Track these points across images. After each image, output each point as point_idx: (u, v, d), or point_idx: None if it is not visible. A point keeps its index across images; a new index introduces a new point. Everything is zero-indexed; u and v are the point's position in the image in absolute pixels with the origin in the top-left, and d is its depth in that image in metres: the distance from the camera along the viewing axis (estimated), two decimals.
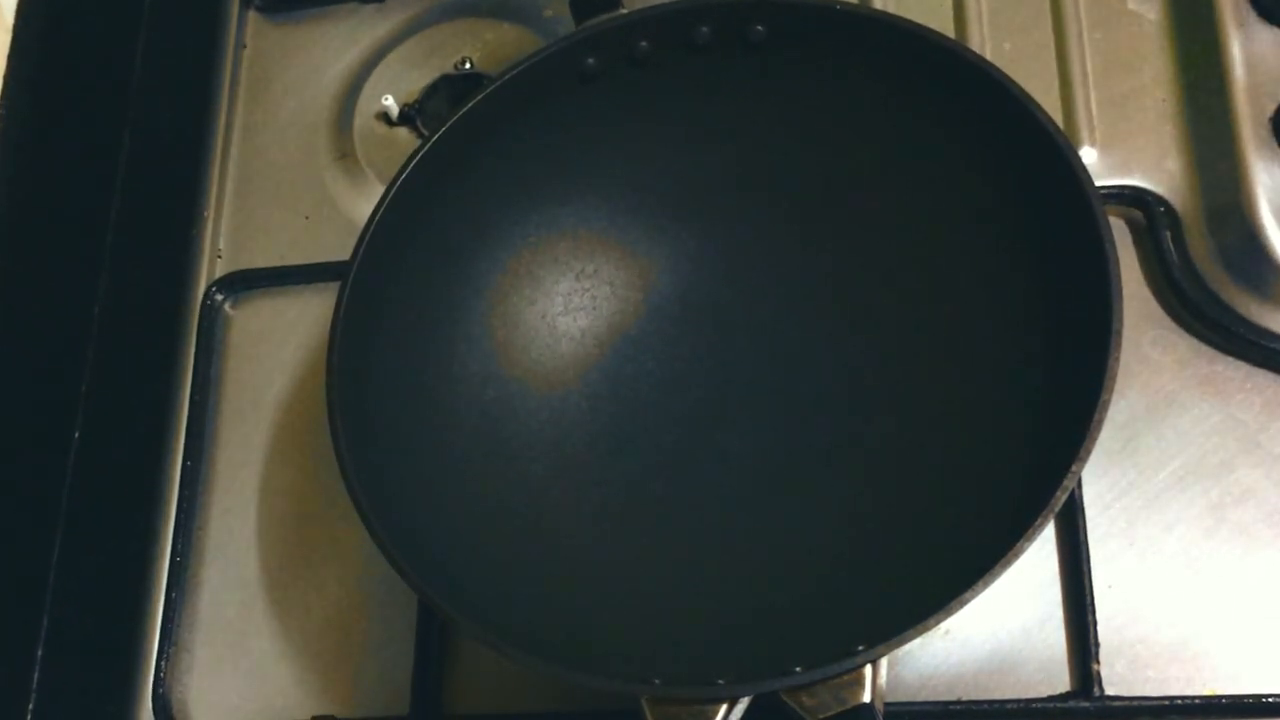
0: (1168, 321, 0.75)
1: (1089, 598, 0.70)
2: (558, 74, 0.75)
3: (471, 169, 0.75)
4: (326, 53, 0.94)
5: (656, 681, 0.60)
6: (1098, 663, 0.68)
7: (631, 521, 0.74)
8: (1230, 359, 0.74)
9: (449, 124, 0.73)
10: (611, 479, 0.76)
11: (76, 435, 0.85)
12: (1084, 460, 0.59)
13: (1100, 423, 0.60)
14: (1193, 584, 0.70)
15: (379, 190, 0.73)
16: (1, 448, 0.83)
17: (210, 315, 0.87)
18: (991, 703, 0.69)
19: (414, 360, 0.74)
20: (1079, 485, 0.72)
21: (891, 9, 0.84)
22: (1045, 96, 0.75)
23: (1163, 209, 0.76)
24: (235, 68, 0.95)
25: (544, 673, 0.61)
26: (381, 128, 0.90)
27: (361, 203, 0.87)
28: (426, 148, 0.72)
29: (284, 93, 0.94)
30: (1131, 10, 0.81)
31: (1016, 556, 0.58)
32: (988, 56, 0.76)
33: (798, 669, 0.58)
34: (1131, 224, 0.77)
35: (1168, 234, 0.76)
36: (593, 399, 0.78)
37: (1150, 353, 0.74)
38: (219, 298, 0.87)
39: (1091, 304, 0.63)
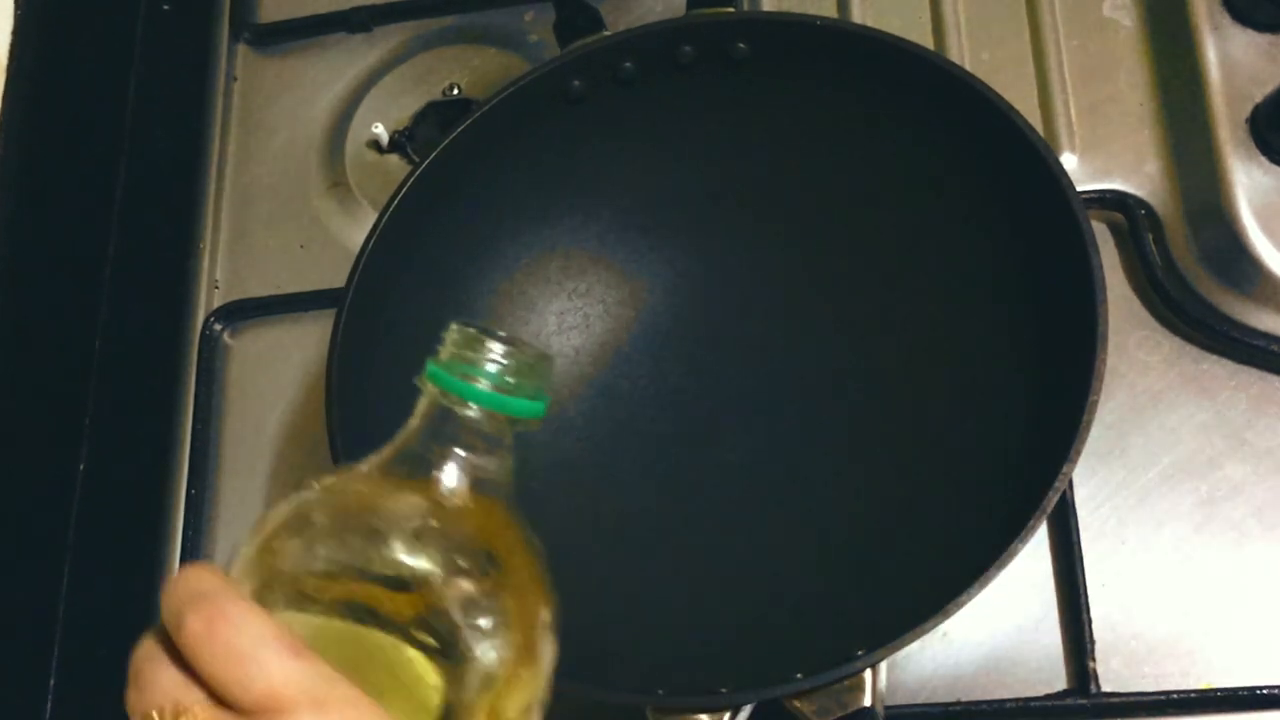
0: (1153, 322, 0.76)
1: (1083, 596, 0.70)
2: (544, 96, 0.75)
3: (462, 193, 0.76)
4: (316, 83, 0.95)
5: (660, 692, 0.60)
6: (1094, 660, 0.69)
7: (630, 534, 0.75)
8: (1215, 357, 0.74)
9: (439, 149, 0.74)
10: (609, 493, 0.76)
11: (81, 468, 0.85)
12: (1074, 461, 0.60)
13: (1089, 423, 0.60)
14: (1185, 580, 0.71)
15: (372, 217, 0.73)
16: (8, 481, 0.83)
17: (210, 345, 0.87)
18: (990, 703, 0.69)
19: (411, 383, 0.74)
20: (1070, 486, 0.72)
21: (871, 22, 0.84)
22: (1025, 104, 0.76)
23: (1144, 212, 0.77)
24: (227, 101, 0.96)
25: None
26: (372, 155, 0.91)
27: (355, 230, 0.88)
28: (417, 173, 0.73)
29: (275, 124, 0.94)
30: (1108, 17, 0.82)
31: (1011, 558, 0.58)
32: (967, 67, 0.76)
33: (799, 675, 0.58)
34: (1114, 227, 0.78)
35: (1150, 236, 0.76)
36: (588, 415, 0.79)
37: (1136, 353, 0.75)
38: (218, 328, 0.88)
39: (1077, 307, 0.63)
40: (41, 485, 0.85)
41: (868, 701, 0.59)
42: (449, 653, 0.46)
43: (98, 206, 0.92)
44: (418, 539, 0.46)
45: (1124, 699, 0.68)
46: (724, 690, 0.59)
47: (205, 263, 0.91)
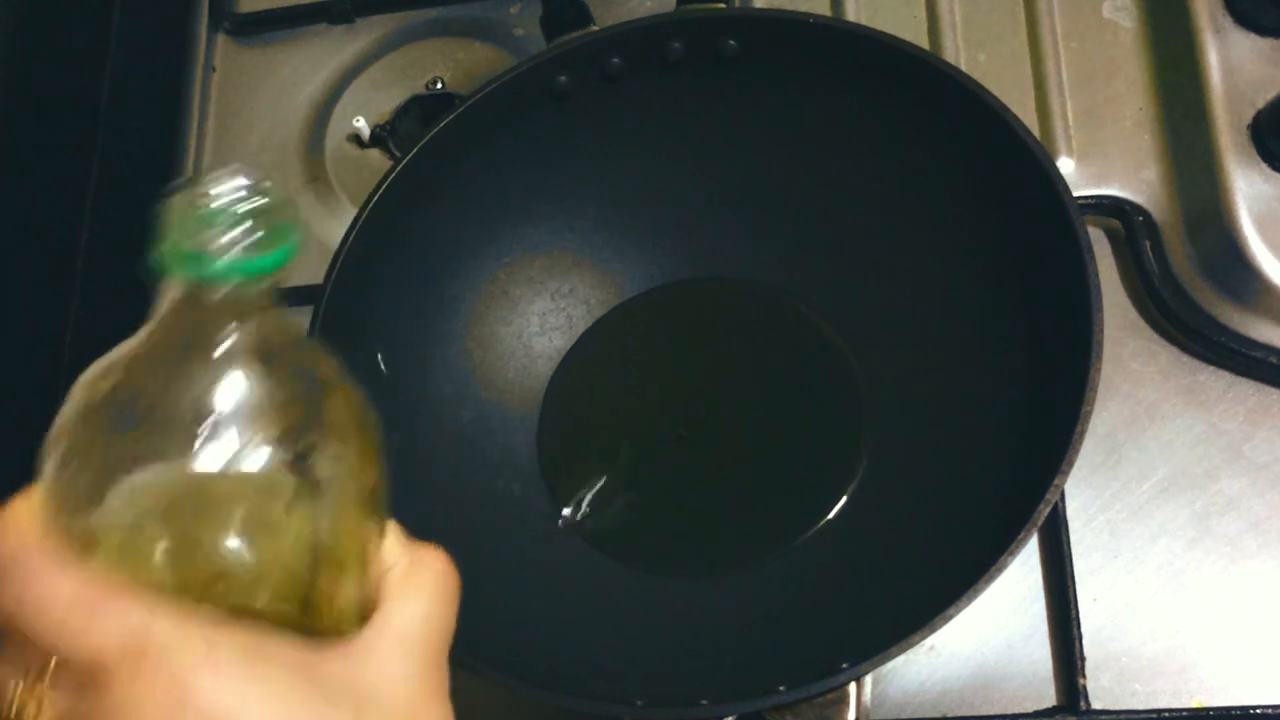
0: (1148, 332, 0.75)
1: (1074, 611, 0.69)
2: (530, 92, 0.74)
3: (444, 189, 0.75)
4: (297, 75, 0.94)
5: (639, 702, 0.59)
6: (1084, 677, 0.68)
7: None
8: (1212, 368, 0.73)
9: (421, 144, 0.73)
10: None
11: None
12: (1066, 472, 0.59)
13: (1082, 434, 0.59)
14: (1178, 595, 0.70)
15: (351, 213, 0.72)
16: None
17: None
18: (977, 719, 0.69)
19: (390, 385, 0.73)
20: (1062, 498, 0.71)
21: (865, 20, 0.84)
22: (1021, 107, 0.75)
23: (1141, 218, 0.76)
24: (205, 91, 0.94)
25: (528, 696, 0.60)
26: (353, 150, 0.90)
27: (334, 226, 0.86)
28: (399, 169, 0.72)
29: (254, 116, 0.93)
30: (1107, 19, 0.81)
31: (1000, 571, 0.57)
32: (962, 67, 0.75)
33: (781, 688, 0.57)
34: (1110, 234, 0.77)
35: (1147, 243, 0.75)
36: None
37: (1131, 363, 0.74)
38: None
39: (1072, 315, 0.62)
40: (13, 486, 0.83)
41: (852, 715, 0.59)
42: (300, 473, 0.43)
43: (71, 198, 0.91)
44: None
45: (1114, 717, 0.67)
46: (704, 701, 0.58)
47: None
